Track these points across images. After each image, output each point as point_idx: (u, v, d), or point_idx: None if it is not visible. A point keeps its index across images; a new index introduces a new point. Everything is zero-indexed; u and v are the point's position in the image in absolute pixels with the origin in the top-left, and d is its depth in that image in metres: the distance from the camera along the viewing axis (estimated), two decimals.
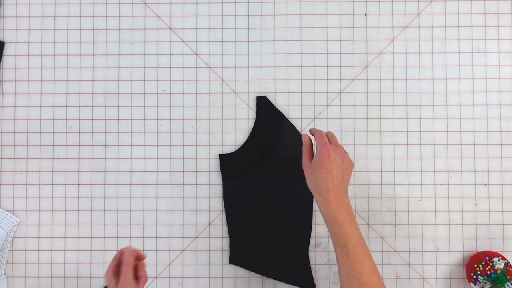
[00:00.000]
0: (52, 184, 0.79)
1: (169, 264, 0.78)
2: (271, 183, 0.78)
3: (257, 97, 0.79)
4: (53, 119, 0.80)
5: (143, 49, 0.80)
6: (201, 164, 0.79)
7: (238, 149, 0.78)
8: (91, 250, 0.78)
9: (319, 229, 0.78)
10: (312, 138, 0.69)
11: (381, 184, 0.78)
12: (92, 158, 0.79)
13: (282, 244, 0.77)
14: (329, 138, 0.67)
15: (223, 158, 0.78)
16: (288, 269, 0.77)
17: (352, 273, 0.60)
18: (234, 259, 0.77)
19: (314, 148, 0.68)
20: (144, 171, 0.79)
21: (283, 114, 0.78)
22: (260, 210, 0.78)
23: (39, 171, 0.79)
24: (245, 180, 0.78)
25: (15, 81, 0.80)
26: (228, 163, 0.78)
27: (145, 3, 0.80)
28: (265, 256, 0.77)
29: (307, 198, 0.78)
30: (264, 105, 0.79)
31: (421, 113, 0.79)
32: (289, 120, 0.79)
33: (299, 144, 0.77)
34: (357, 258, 0.60)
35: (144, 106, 0.79)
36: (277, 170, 0.78)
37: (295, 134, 0.78)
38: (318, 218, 0.78)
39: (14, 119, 0.80)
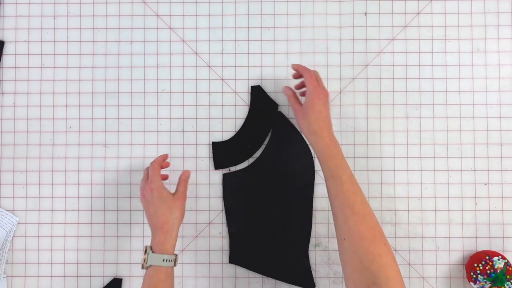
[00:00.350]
0: (52, 184, 0.79)
1: None
2: (271, 183, 0.78)
3: (251, 86, 0.79)
4: (53, 119, 0.79)
5: (143, 49, 0.80)
6: (201, 164, 0.79)
7: (231, 137, 0.78)
8: (90, 250, 0.78)
9: (319, 229, 0.78)
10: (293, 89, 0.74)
11: (381, 184, 0.78)
12: (92, 158, 0.79)
13: (282, 244, 0.77)
14: (315, 79, 0.70)
15: (215, 146, 0.78)
16: (288, 268, 0.77)
17: (346, 202, 0.62)
18: (234, 258, 0.77)
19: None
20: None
21: (277, 104, 0.79)
22: (260, 210, 0.78)
23: (39, 171, 0.79)
24: (245, 179, 0.78)
25: (15, 80, 0.80)
26: (221, 151, 0.78)
27: (145, 3, 0.80)
28: (265, 256, 0.77)
29: (307, 197, 0.78)
30: (258, 95, 0.79)
31: (421, 113, 0.79)
32: (289, 119, 0.79)
33: (297, 144, 0.78)
34: (350, 189, 0.63)
35: (144, 106, 0.79)
36: (276, 170, 0.78)
37: (293, 134, 0.78)
38: (318, 218, 0.78)
39: (14, 119, 0.80)
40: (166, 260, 0.64)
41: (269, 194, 0.78)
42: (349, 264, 0.59)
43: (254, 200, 0.78)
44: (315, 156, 0.74)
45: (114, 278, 0.77)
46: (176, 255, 0.66)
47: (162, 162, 0.73)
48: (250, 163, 0.78)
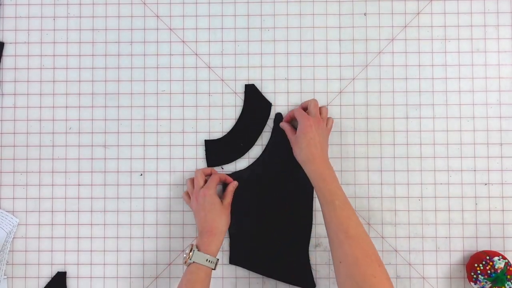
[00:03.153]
0: (52, 185, 0.79)
1: (170, 264, 0.78)
2: (270, 183, 0.78)
3: (245, 85, 0.79)
4: (53, 120, 0.79)
5: (143, 50, 0.80)
6: (201, 164, 0.79)
7: (224, 135, 0.78)
8: (91, 251, 0.78)
9: (319, 229, 0.78)
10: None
11: (381, 184, 0.78)
12: (92, 159, 0.79)
13: (283, 244, 0.77)
14: (309, 107, 0.74)
15: (208, 144, 0.78)
16: (288, 268, 0.77)
17: (340, 227, 0.64)
18: (234, 259, 0.77)
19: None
20: (144, 171, 0.79)
21: (271, 103, 0.79)
22: (261, 210, 0.78)
23: (39, 172, 0.79)
24: (246, 180, 0.78)
25: (15, 81, 0.80)
26: (214, 149, 0.78)
27: (144, 4, 0.80)
28: (265, 256, 0.77)
29: (307, 197, 0.78)
30: (252, 93, 0.79)
31: (421, 113, 0.79)
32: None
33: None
34: (343, 213, 0.65)
35: (144, 107, 0.79)
36: (277, 170, 0.78)
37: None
38: (318, 218, 0.78)
39: (14, 120, 0.80)
40: (209, 261, 0.67)
41: (269, 194, 0.78)
42: (345, 287, 0.61)
43: (254, 201, 0.78)
44: None
45: (58, 272, 0.78)
46: (217, 259, 0.69)
47: (228, 178, 0.77)
48: (250, 163, 0.78)
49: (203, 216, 0.71)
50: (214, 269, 0.68)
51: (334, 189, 0.67)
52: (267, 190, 0.78)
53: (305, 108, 0.76)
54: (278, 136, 0.78)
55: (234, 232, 0.77)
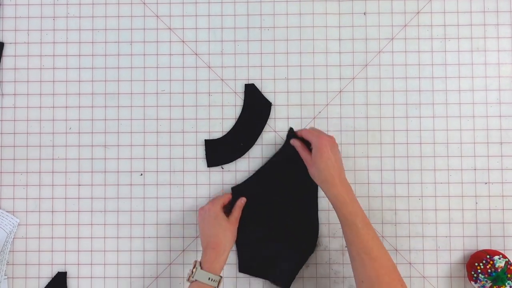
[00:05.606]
0: (52, 185, 0.79)
1: (170, 264, 0.78)
2: (277, 193, 0.77)
3: (245, 85, 0.79)
4: (53, 120, 0.79)
5: (143, 49, 0.80)
6: (201, 164, 0.79)
7: (224, 135, 0.78)
8: (91, 251, 0.78)
9: (320, 229, 0.78)
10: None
11: (381, 183, 0.78)
12: (92, 159, 0.79)
13: (289, 251, 0.76)
14: (314, 132, 0.72)
15: (208, 143, 0.78)
16: (295, 274, 0.77)
17: (363, 249, 0.64)
18: (244, 267, 0.77)
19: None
20: (144, 171, 0.79)
21: (270, 103, 0.78)
22: (268, 218, 0.77)
23: (39, 172, 0.79)
24: (253, 192, 0.76)
25: (15, 82, 0.80)
26: (214, 149, 0.78)
27: (144, 3, 0.80)
28: (272, 263, 0.76)
29: (313, 204, 0.77)
30: (251, 93, 0.78)
31: (421, 112, 0.79)
32: (289, 119, 0.79)
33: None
34: (366, 235, 0.65)
35: (144, 106, 0.79)
36: (283, 181, 0.77)
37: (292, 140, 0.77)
38: (318, 218, 0.78)
39: (14, 120, 0.80)
40: (212, 280, 0.66)
41: (275, 202, 0.77)
42: None
43: (262, 212, 0.77)
44: None
45: (58, 272, 0.78)
46: (221, 276, 0.68)
47: (227, 200, 0.75)
48: (250, 163, 0.78)
49: (206, 231, 0.70)
50: (217, 287, 0.67)
51: (355, 210, 0.66)
52: (274, 199, 0.77)
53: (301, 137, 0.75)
54: (290, 149, 0.76)
55: (243, 242, 0.77)
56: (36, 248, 0.78)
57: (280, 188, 0.77)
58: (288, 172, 0.77)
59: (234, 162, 0.79)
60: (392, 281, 0.63)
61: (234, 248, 0.77)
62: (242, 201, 0.75)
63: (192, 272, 0.67)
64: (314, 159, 0.69)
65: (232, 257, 0.78)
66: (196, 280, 0.66)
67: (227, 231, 0.70)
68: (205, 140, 0.78)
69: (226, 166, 0.79)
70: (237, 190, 0.77)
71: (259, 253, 0.77)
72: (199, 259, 0.69)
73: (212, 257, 0.68)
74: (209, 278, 0.66)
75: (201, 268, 0.67)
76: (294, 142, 0.75)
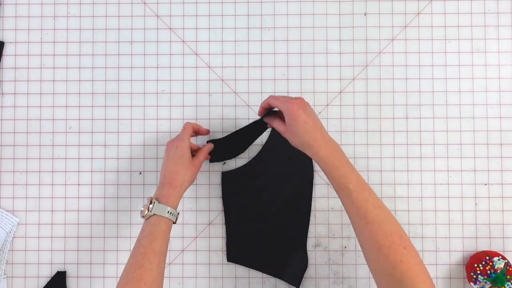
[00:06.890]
0: (52, 184, 0.79)
1: (169, 264, 0.78)
2: (269, 181, 0.78)
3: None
4: (53, 119, 0.79)
5: (143, 49, 0.80)
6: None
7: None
8: (91, 250, 0.78)
9: (319, 229, 0.78)
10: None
11: (381, 184, 0.78)
12: (92, 158, 0.79)
13: (280, 241, 0.77)
14: (279, 97, 0.66)
15: (210, 142, 0.76)
16: (285, 265, 0.77)
17: (358, 212, 0.59)
18: (232, 256, 0.77)
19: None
20: (144, 171, 0.79)
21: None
22: (258, 207, 0.78)
23: (39, 171, 0.79)
24: (244, 178, 0.77)
25: (15, 81, 0.80)
26: (214, 149, 0.76)
27: (144, 3, 0.80)
28: (262, 253, 0.77)
29: (306, 194, 0.78)
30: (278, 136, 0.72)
31: (421, 113, 0.79)
32: None
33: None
34: (359, 197, 0.60)
35: (144, 106, 0.79)
36: (275, 167, 0.78)
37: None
38: (318, 218, 0.78)
39: (14, 119, 0.80)
40: (170, 213, 0.65)
41: (267, 191, 0.78)
42: (375, 272, 0.58)
43: (253, 198, 0.78)
44: None
45: (58, 271, 0.78)
46: (178, 212, 0.66)
47: (201, 128, 0.75)
48: (249, 160, 0.78)
49: (168, 166, 0.68)
50: (175, 222, 0.66)
51: (345, 173, 0.61)
52: (266, 187, 0.78)
53: (266, 107, 0.68)
54: (276, 133, 0.76)
55: (232, 230, 0.77)
56: (35, 247, 0.78)
57: (272, 175, 0.78)
58: (279, 164, 0.78)
59: (234, 159, 0.79)
60: (393, 243, 0.57)
61: (223, 235, 0.77)
62: (209, 146, 0.74)
63: (149, 207, 0.64)
64: (290, 127, 0.63)
65: (221, 244, 0.78)
66: (154, 214, 0.64)
67: (187, 170, 0.68)
68: (207, 142, 0.78)
69: (226, 166, 0.79)
70: (228, 175, 0.78)
71: (248, 242, 0.77)
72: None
73: (169, 192, 0.66)
74: (168, 211, 0.64)
75: (159, 203, 0.65)
76: (267, 119, 0.69)
